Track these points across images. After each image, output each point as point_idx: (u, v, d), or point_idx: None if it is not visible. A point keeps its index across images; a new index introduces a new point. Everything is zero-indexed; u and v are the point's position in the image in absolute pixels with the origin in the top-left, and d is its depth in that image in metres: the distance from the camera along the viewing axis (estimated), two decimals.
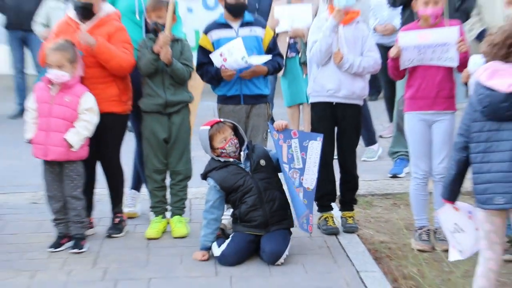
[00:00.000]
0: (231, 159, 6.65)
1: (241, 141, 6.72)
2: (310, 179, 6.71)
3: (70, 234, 6.80)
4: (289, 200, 6.81)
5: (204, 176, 6.79)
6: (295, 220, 6.74)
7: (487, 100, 4.69)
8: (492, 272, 4.82)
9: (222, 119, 6.92)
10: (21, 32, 10.97)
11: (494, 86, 4.66)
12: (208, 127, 6.62)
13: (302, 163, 6.70)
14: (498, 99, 4.63)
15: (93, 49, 6.75)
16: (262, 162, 6.63)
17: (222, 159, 6.66)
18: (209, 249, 6.52)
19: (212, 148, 6.63)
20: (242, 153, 6.66)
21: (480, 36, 8.01)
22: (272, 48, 7.46)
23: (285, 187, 6.84)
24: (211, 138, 6.59)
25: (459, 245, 5.09)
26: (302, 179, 6.72)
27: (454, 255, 5.16)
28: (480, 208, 4.82)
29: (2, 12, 10.67)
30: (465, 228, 5.02)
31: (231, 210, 6.84)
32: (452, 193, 5.06)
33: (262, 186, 6.54)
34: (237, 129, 6.80)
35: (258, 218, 6.49)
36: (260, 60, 7.19)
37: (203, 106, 7.54)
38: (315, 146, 6.71)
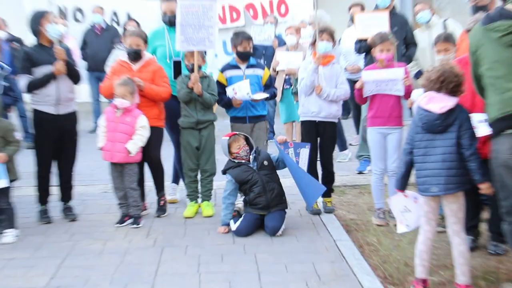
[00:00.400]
0: (243, 161, 6.80)
1: (251, 148, 6.85)
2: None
3: (130, 214, 6.98)
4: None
5: (224, 172, 6.93)
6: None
7: (426, 119, 4.84)
8: (429, 239, 4.95)
9: (237, 132, 7.01)
10: (97, 73, 10.93)
11: (431, 109, 4.81)
12: (228, 138, 6.81)
13: (296, 163, 6.84)
14: (433, 118, 4.79)
15: (142, 89, 6.97)
16: (265, 162, 6.78)
17: (236, 161, 6.81)
18: (228, 225, 6.64)
19: (230, 152, 6.80)
20: (251, 156, 6.80)
21: (417, 75, 8.32)
22: (268, 83, 7.63)
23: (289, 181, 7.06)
24: (229, 146, 6.78)
25: (407, 221, 5.17)
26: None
27: (401, 228, 5.23)
28: (421, 195, 4.97)
29: (84, 59, 10.73)
30: (411, 209, 5.11)
31: (243, 197, 6.91)
32: (402, 184, 5.15)
33: (265, 179, 6.68)
34: (248, 139, 6.95)
35: (262, 202, 6.61)
36: (259, 96, 7.32)
37: (222, 123, 7.67)
38: (305, 151, 6.90)
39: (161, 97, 7.23)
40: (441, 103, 4.82)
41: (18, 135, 6.40)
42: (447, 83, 4.82)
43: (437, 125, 4.85)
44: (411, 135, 5.08)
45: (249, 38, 7.56)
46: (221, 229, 6.72)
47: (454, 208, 4.90)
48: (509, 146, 4.45)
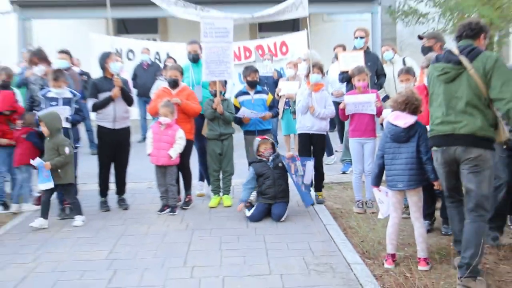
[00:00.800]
0: (264, 159, 6.82)
1: (273, 152, 6.89)
2: (307, 179, 6.88)
3: (169, 205, 6.99)
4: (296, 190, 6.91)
5: (249, 164, 7.01)
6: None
7: (393, 131, 4.92)
8: (396, 224, 5.01)
9: (267, 137, 7.10)
10: (144, 98, 10.93)
11: (397, 124, 4.89)
12: (260, 139, 6.91)
13: (303, 172, 6.82)
14: (399, 131, 4.87)
15: (180, 105, 7.06)
16: (280, 164, 6.76)
17: (260, 158, 6.87)
18: (244, 201, 6.68)
19: (258, 150, 6.87)
20: (271, 157, 6.81)
21: (385, 98, 8.32)
22: (272, 105, 7.64)
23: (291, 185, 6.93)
24: (258, 146, 6.87)
25: (381, 209, 5.22)
26: (304, 180, 6.82)
27: (378, 216, 5.32)
28: (390, 189, 5.02)
29: (135, 88, 10.72)
30: (384, 201, 5.15)
31: (255, 192, 6.88)
32: (377, 182, 5.20)
33: (276, 176, 6.68)
34: (274, 145, 7.02)
35: (270, 193, 6.60)
36: (265, 115, 7.42)
37: (238, 135, 7.61)
38: (310, 163, 6.89)
39: (194, 111, 7.26)
40: (405, 120, 4.89)
41: (68, 150, 6.38)
42: (410, 105, 4.89)
43: (402, 136, 4.92)
44: (382, 144, 5.14)
45: (256, 71, 7.62)
46: (239, 206, 6.74)
47: (415, 199, 4.97)
48: (435, 159, 4.56)
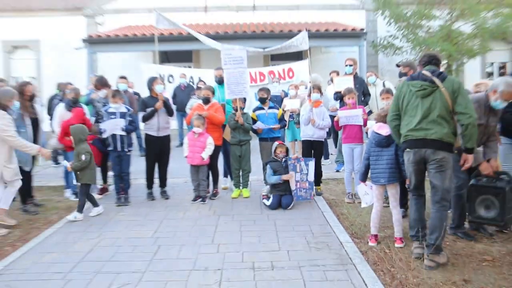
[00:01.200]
0: (278, 159, 6.73)
1: (287, 154, 6.83)
2: (311, 176, 6.71)
3: (200, 195, 6.93)
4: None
5: (266, 164, 6.97)
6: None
7: (377, 138, 4.92)
8: (378, 211, 4.99)
9: (283, 142, 7.07)
10: (181, 112, 10.71)
11: (380, 132, 4.89)
12: (277, 143, 6.84)
13: (307, 171, 6.69)
14: (381, 138, 4.87)
15: (208, 116, 7.02)
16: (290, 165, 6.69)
17: (275, 158, 6.78)
18: (279, 180, 6.56)
19: (274, 152, 6.78)
20: (283, 159, 6.74)
21: (369, 113, 8.20)
22: (281, 118, 7.53)
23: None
24: (276, 148, 6.79)
25: (366, 200, 5.14)
26: (308, 178, 6.68)
27: (363, 205, 5.20)
28: (374, 184, 5.00)
29: (174, 104, 10.75)
30: (369, 193, 5.08)
31: (269, 186, 6.77)
32: (363, 177, 5.14)
33: (287, 173, 6.61)
34: (287, 149, 6.94)
35: (281, 187, 6.54)
36: (274, 127, 7.38)
37: (254, 142, 7.51)
38: (312, 163, 6.74)
39: (219, 121, 7.17)
40: (386, 129, 4.87)
41: (84, 157, 6.19)
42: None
43: (383, 142, 4.91)
44: (368, 148, 5.12)
45: (263, 89, 7.63)
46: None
47: (393, 192, 4.95)
48: (407, 159, 4.48)
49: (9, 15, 16.36)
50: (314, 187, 7.12)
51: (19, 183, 6.05)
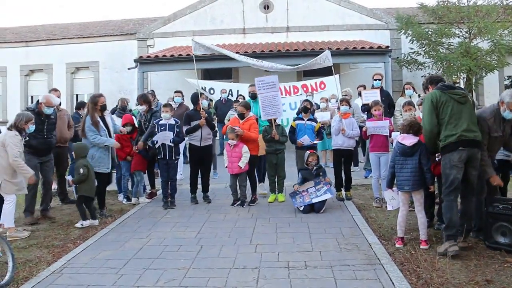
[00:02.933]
0: (310, 168, 6.70)
1: (318, 162, 6.81)
2: (316, 199, 6.38)
3: (239, 199, 6.93)
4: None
5: (299, 171, 6.99)
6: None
7: (401, 148, 4.81)
8: (404, 215, 4.87)
9: (314, 151, 6.99)
10: (222, 124, 10.60)
11: (404, 143, 4.80)
12: (309, 152, 6.81)
13: (318, 195, 6.41)
14: (406, 148, 4.77)
15: (243, 135, 6.93)
16: (320, 173, 6.63)
17: (306, 166, 6.75)
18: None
19: (307, 160, 6.75)
20: (315, 167, 6.71)
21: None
22: (318, 131, 7.41)
23: None
24: (308, 157, 6.76)
25: (393, 204, 5.04)
26: (314, 197, 6.39)
27: (389, 208, 5.11)
28: (400, 191, 4.89)
29: (216, 116, 10.92)
30: (395, 198, 5.00)
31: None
32: (390, 184, 5.06)
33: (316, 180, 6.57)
34: (318, 157, 6.93)
35: None
36: (315, 143, 7.39)
37: (288, 151, 7.56)
38: (327, 196, 6.45)
39: (252, 138, 7.05)
40: (410, 140, 4.82)
41: (82, 170, 6.12)
42: (413, 127, 4.85)
43: (408, 152, 4.82)
44: (393, 157, 5.03)
45: (311, 103, 7.71)
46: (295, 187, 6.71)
47: (418, 197, 4.85)
48: (458, 157, 4.41)
49: (74, 42, 17.27)
50: (344, 192, 7.11)
51: (13, 198, 5.65)
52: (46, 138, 6.54)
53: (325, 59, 7.92)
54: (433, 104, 4.56)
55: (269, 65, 8.16)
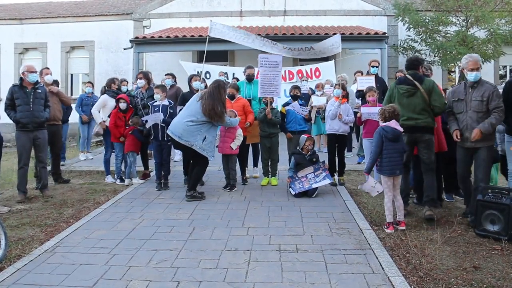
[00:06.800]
0: (303, 152, 6.66)
1: (313, 147, 6.78)
2: (316, 185, 6.34)
3: (231, 183, 6.87)
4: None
5: (291, 155, 6.95)
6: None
7: (394, 134, 4.83)
8: (391, 200, 4.88)
9: (312, 136, 7.06)
10: None
11: (398, 128, 4.86)
12: (306, 137, 6.75)
13: (318, 181, 6.40)
14: (398, 132, 4.85)
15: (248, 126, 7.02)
16: (314, 159, 6.62)
17: (300, 150, 6.70)
18: (290, 177, 6.59)
19: (304, 145, 6.68)
20: (309, 152, 6.69)
21: None
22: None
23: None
24: (305, 141, 6.69)
25: (377, 188, 4.88)
26: (313, 183, 6.37)
27: (375, 194, 4.99)
28: (389, 176, 4.85)
29: None
30: (373, 184, 4.92)
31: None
32: (370, 170, 5.05)
33: (309, 166, 6.57)
34: (314, 142, 6.93)
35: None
36: (306, 115, 7.25)
37: (282, 134, 7.53)
38: (325, 182, 6.45)
39: (250, 119, 7.13)
40: (398, 125, 4.99)
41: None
42: (396, 114, 5.02)
43: (398, 137, 4.98)
44: (380, 143, 4.97)
45: (296, 88, 7.49)
46: (288, 179, 6.74)
47: (399, 181, 5.02)
48: (405, 140, 5.15)
49: (69, 20, 17.08)
50: (338, 177, 7.11)
51: None
52: (33, 111, 6.37)
53: (336, 44, 7.53)
54: (389, 96, 5.41)
55: (291, 53, 7.75)
